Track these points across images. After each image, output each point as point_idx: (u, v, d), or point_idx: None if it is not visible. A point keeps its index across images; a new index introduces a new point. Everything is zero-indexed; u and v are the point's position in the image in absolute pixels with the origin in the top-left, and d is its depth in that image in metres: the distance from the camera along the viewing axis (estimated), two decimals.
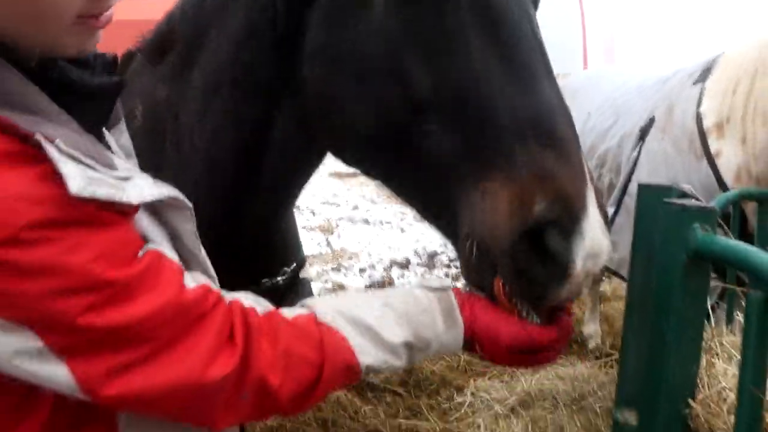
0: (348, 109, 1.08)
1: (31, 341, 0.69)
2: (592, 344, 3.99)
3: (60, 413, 0.78)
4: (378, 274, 6.22)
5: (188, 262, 0.88)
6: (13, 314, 0.68)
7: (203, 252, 0.90)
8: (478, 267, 0.96)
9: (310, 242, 6.77)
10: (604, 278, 4.39)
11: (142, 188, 0.77)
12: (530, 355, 0.98)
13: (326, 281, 5.69)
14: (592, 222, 0.88)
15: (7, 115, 0.69)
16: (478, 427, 3.47)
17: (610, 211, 2.86)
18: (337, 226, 7.54)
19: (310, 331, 0.89)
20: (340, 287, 5.50)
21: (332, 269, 6.16)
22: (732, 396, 1.05)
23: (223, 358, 0.80)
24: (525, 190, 0.91)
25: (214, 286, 0.86)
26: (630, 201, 2.73)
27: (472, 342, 0.98)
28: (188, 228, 0.86)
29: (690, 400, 0.96)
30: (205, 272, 0.90)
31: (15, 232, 0.65)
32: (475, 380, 4.05)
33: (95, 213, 0.71)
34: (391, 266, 6.51)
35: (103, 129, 0.94)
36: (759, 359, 0.84)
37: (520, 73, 0.97)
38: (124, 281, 0.73)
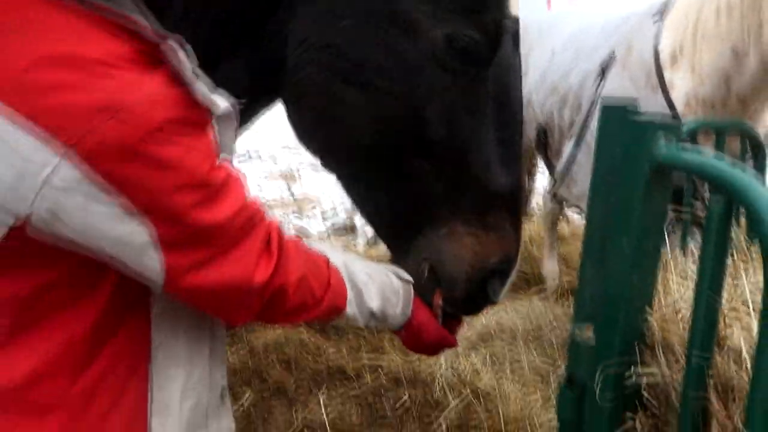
0: (347, 125, 1.15)
1: (146, 231, 0.77)
2: (550, 283, 4.09)
3: (110, 305, 0.85)
4: (340, 219, 6.20)
5: None
6: (141, 202, 0.75)
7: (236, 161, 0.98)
8: (425, 283, 1.23)
9: (272, 190, 6.67)
10: (561, 218, 4.48)
11: (224, 100, 0.84)
12: (431, 350, 1.30)
13: (289, 227, 5.64)
14: (515, 273, 1.27)
15: (140, 19, 0.76)
16: (440, 365, 3.56)
17: (570, 146, 2.89)
18: (299, 171, 7.44)
19: (323, 270, 1.06)
20: (303, 233, 5.47)
21: (294, 214, 6.11)
22: (686, 310, 1.08)
23: (264, 264, 0.90)
24: (486, 246, 1.20)
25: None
26: (591, 137, 2.76)
27: (402, 328, 1.23)
28: (232, 136, 0.92)
29: (648, 310, 0.98)
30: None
31: (154, 127, 0.72)
32: None
33: (206, 118, 0.80)
34: (353, 211, 6.50)
35: None
36: (717, 269, 0.86)
37: (509, 153, 1.20)
38: (219, 183, 0.81)
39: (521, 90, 1.24)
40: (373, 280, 1.15)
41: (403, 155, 1.15)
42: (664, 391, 1.00)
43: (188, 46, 0.80)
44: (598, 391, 0.99)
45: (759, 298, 1.03)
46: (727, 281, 0.92)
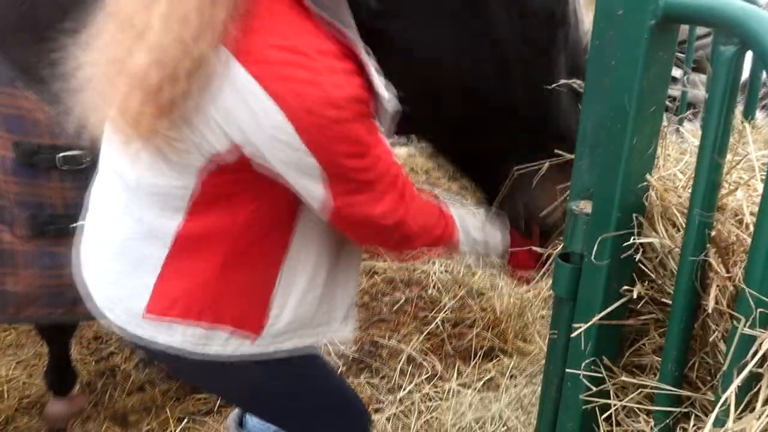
0: (456, 109, 1.28)
1: (319, 168, 0.99)
2: None
3: (265, 212, 1.12)
4: None
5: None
6: (326, 153, 0.97)
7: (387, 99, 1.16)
8: (521, 220, 1.42)
9: None
10: None
11: (382, 85, 1.03)
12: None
13: None
14: None
15: (343, 29, 0.96)
16: (433, 263, 3.60)
17: None
18: None
19: (438, 218, 1.26)
20: None
21: None
22: (684, 178, 1.04)
23: (396, 211, 1.11)
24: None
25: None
26: None
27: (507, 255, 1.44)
28: (384, 120, 1.08)
29: (648, 176, 0.93)
30: (386, 114, 1.14)
31: (341, 98, 0.92)
32: None
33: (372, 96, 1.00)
34: None
35: None
36: (723, 124, 0.81)
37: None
38: (375, 149, 1.03)
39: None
40: (485, 236, 1.36)
41: (499, 125, 1.29)
42: (662, 260, 0.97)
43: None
44: (594, 263, 0.97)
45: (763, 163, 0.99)
46: (730, 144, 0.87)
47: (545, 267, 1.42)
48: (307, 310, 1.24)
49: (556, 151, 1.29)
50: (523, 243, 1.42)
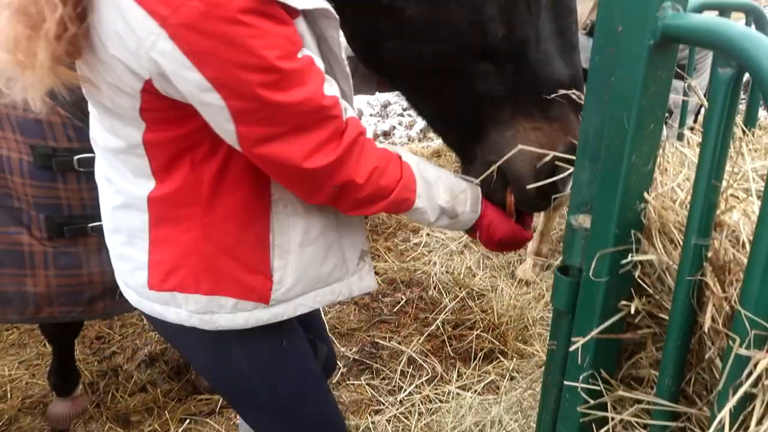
0: (414, 37, 1.18)
1: (222, 102, 0.94)
2: None
3: (232, 157, 1.08)
4: None
5: (331, 63, 1.10)
6: (212, 74, 0.91)
7: (343, 55, 1.10)
8: (495, 185, 1.27)
9: None
10: None
11: (308, 1, 0.96)
12: (509, 246, 1.35)
13: None
14: None
15: None
16: (434, 264, 3.61)
17: None
18: None
19: (395, 165, 1.17)
20: None
21: None
22: (682, 195, 1.05)
23: (324, 155, 1.03)
24: (551, 137, 1.22)
25: (341, 97, 1.07)
26: None
27: (474, 229, 1.31)
28: (334, 35, 1.05)
29: (645, 194, 0.94)
30: (343, 71, 1.12)
31: (233, 13, 0.87)
32: None
33: (276, 10, 0.92)
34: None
35: None
36: (721, 145, 0.81)
37: (566, 44, 1.21)
38: (287, 72, 0.94)
39: None
40: (442, 179, 1.24)
41: (465, 60, 1.18)
42: (659, 276, 0.98)
43: None
44: (593, 278, 0.97)
45: (761, 183, 0.99)
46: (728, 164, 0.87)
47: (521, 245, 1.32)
48: (311, 265, 1.21)
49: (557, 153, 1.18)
50: (497, 214, 1.31)
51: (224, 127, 1.00)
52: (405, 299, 3.33)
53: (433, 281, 3.46)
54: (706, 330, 0.84)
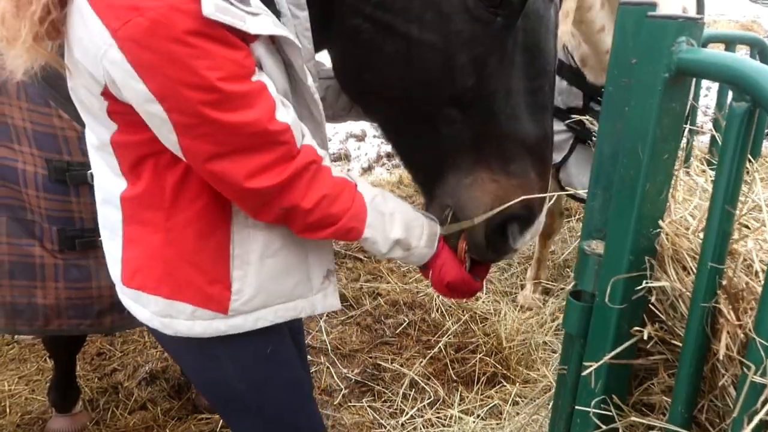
0: (387, 72, 1.21)
1: (165, 114, 0.98)
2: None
3: (192, 173, 1.10)
4: (334, 146, 6.13)
5: (297, 86, 1.14)
6: (155, 88, 0.95)
7: (310, 80, 1.14)
8: (450, 230, 1.29)
9: None
10: None
11: (264, 24, 1.00)
12: (458, 294, 1.34)
13: None
14: (539, 222, 1.29)
15: None
16: None
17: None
18: None
19: (348, 195, 1.18)
20: None
21: None
22: (694, 222, 1.07)
23: (268, 177, 1.05)
24: (507, 191, 1.23)
25: (296, 125, 1.09)
26: None
27: (427, 267, 1.32)
28: (299, 62, 1.10)
29: (660, 222, 0.96)
30: (311, 96, 1.16)
31: (177, 33, 0.91)
32: None
33: (224, 33, 0.95)
34: (347, 138, 6.41)
35: None
36: (735, 176, 0.83)
37: (538, 103, 1.23)
38: (229, 93, 0.97)
39: (554, 41, 1.24)
40: (399, 212, 1.25)
41: (433, 103, 1.21)
42: (672, 302, 0.99)
43: None
44: (606, 304, 0.99)
45: None
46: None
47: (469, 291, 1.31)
48: (272, 279, 1.21)
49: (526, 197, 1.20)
50: (452, 259, 1.31)
51: (169, 138, 1.02)
52: (407, 321, 3.32)
53: (435, 303, 3.45)
54: (720, 357, 0.85)
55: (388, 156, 6.12)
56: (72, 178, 1.81)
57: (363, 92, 1.33)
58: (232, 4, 0.95)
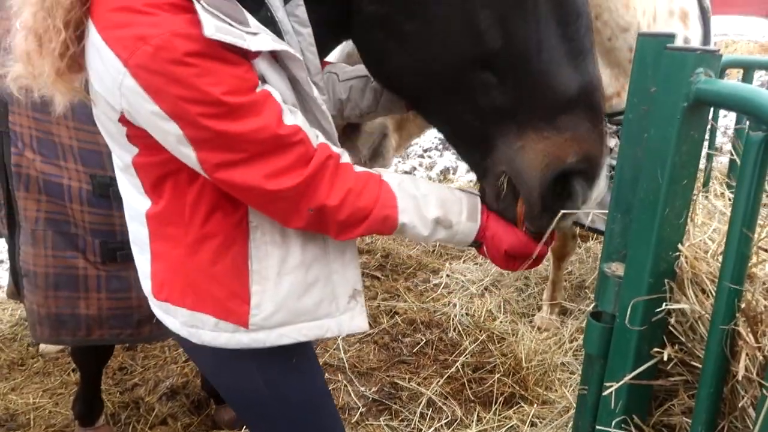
0: (413, 52, 1.21)
1: (179, 131, 1.03)
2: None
3: (209, 190, 1.15)
4: None
5: (304, 99, 1.17)
6: (166, 108, 1.01)
7: (316, 92, 1.18)
8: (506, 197, 1.23)
9: None
10: None
11: (264, 41, 1.04)
12: (520, 262, 1.28)
13: None
14: (602, 177, 1.19)
15: None
16: (454, 305, 3.62)
17: None
18: None
19: (373, 186, 1.18)
20: None
21: None
22: (713, 246, 1.09)
23: (289, 178, 1.08)
24: (561, 148, 1.16)
25: (307, 128, 1.12)
26: None
27: (480, 243, 1.28)
28: (302, 75, 1.13)
29: (679, 245, 0.99)
30: (319, 108, 1.18)
31: (179, 56, 0.97)
32: (450, 263, 4.17)
33: (222, 52, 1.00)
34: None
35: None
36: (753, 201, 0.86)
37: (575, 49, 1.16)
38: (234, 105, 1.02)
39: None
40: (432, 192, 1.24)
41: (465, 72, 1.18)
42: (692, 324, 1.02)
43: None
44: (627, 326, 1.01)
45: None
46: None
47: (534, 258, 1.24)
48: (292, 296, 1.22)
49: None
50: (502, 225, 1.26)
51: (186, 153, 1.07)
52: (425, 340, 3.34)
53: (453, 323, 3.46)
54: (739, 378, 0.87)
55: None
56: (115, 192, 1.89)
57: (393, 76, 1.32)
58: (231, 25, 1.01)
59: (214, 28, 0.97)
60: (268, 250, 1.21)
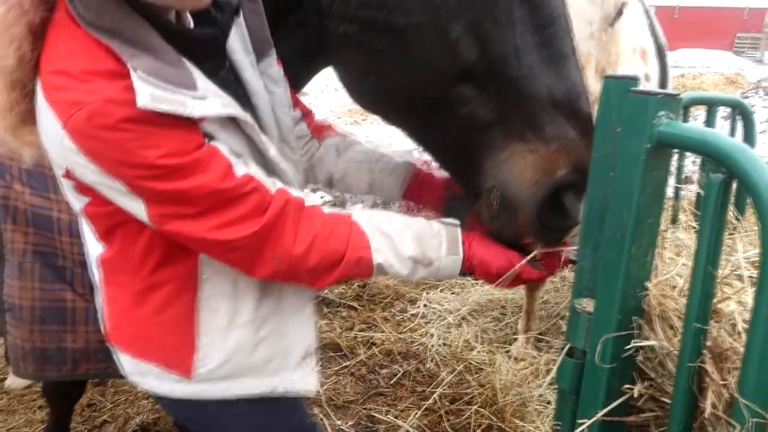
0: (387, 68, 1.19)
1: (123, 186, 1.02)
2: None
3: (159, 239, 1.12)
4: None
5: (269, 161, 1.15)
6: (106, 169, 1.01)
7: (272, 151, 1.15)
8: (499, 213, 1.19)
9: None
10: None
11: (210, 106, 1.02)
12: (520, 279, 1.24)
13: None
14: None
15: (116, 46, 0.98)
16: (431, 336, 3.61)
17: None
18: None
19: (342, 228, 1.15)
20: None
21: None
22: (681, 282, 1.11)
23: (243, 227, 1.06)
24: (549, 160, 1.13)
25: (262, 175, 1.10)
26: None
27: (470, 269, 1.24)
28: (257, 137, 1.12)
29: (647, 284, 1.00)
30: (277, 167, 1.16)
31: (113, 122, 0.96)
32: (428, 292, 4.17)
33: (158, 118, 0.98)
34: None
35: (250, 60, 1.19)
36: (715, 241, 0.88)
37: (554, 54, 1.13)
38: (172, 166, 1.00)
39: None
40: (409, 229, 1.18)
41: (442, 86, 1.14)
42: (660, 361, 1.03)
43: (162, 64, 1.00)
44: (597, 362, 1.02)
45: (753, 271, 1.06)
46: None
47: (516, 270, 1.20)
48: (240, 351, 1.20)
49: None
50: (485, 249, 1.22)
51: (133, 207, 1.06)
52: (402, 371, 3.31)
53: (430, 353, 3.45)
54: (706, 415, 0.88)
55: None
56: None
57: (371, 97, 1.30)
58: (172, 91, 0.99)
59: (149, 97, 0.96)
60: (219, 303, 1.18)
